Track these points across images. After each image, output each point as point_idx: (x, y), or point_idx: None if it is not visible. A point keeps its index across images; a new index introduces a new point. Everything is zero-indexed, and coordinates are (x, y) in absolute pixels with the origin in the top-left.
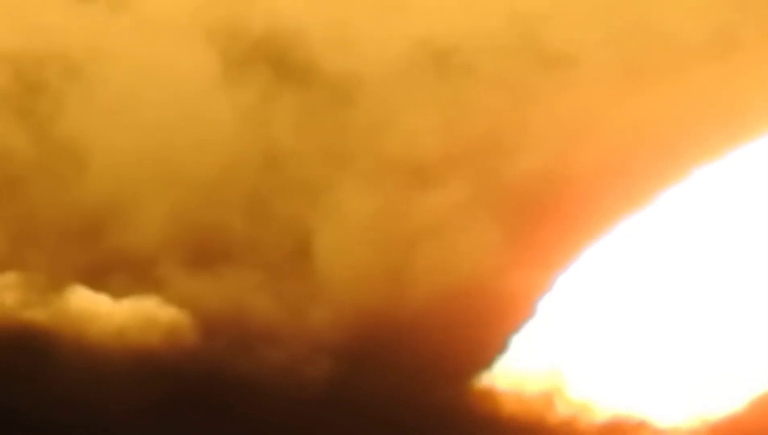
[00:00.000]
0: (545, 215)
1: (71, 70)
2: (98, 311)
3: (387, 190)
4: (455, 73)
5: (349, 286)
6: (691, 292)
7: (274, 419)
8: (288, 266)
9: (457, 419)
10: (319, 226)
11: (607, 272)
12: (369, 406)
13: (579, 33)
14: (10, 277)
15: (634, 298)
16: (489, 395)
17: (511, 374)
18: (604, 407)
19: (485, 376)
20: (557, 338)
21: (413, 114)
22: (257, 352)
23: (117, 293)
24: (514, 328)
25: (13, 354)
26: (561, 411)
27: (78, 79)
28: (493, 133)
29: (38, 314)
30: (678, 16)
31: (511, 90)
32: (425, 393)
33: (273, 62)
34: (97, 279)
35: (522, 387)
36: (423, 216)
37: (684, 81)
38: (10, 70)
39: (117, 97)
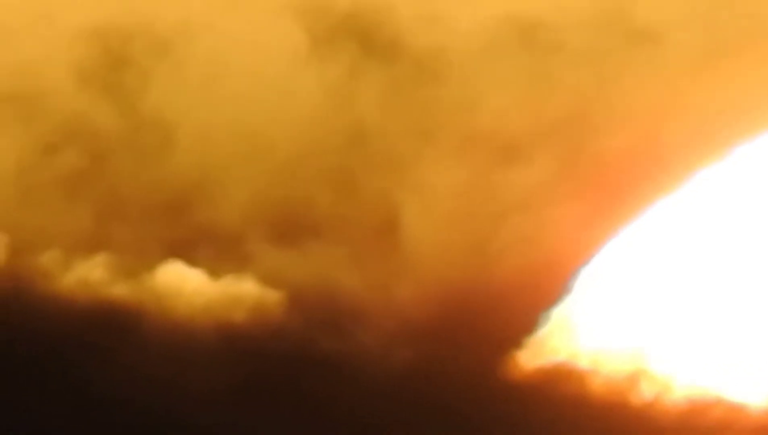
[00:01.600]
0: (629, 191)
1: (158, 45)
2: (184, 288)
3: (473, 166)
4: (541, 49)
5: (435, 262)
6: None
7: (358, 397)
8: (374, 242)
9: (539, 393)
10: (406, 201)
11: (682, 248)
12: (454, 382)
13: (665, 9)
14: (96, 253)
15: (710, 275)
16: (572, 374)
17: (592, 353)
18: (682, 386)
19: (566, 355)
20: (635, 316)
21: (500, 90)
22: (343, 329)
23: (203, 270)
24: (594, 305)
25: (99, 330)
26: (642, 390)
27: (165, 54)
28: (578, 110)
29: (124, 291)
30: None
31: (597, 66)
32: (510, 366)
33: (360, 38)
34: (184, 255)
35: (603, 366)
36: (509, 192)
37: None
38: (97, 46)
39: (204, 73)
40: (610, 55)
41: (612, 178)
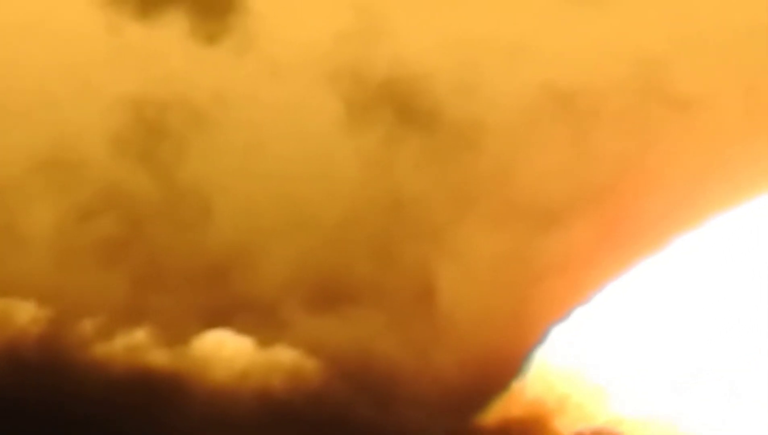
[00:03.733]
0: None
1: (195, 115)
2: (223, 355)
3: (511, 233)
4: (579, 116)
5: (474, 328)
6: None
7: None
8: (412, 308)
9: None
10: (444, 268)
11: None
12: None
13: (703, 75)
14: (134, 321)
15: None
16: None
17: (629, 419)
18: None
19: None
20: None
21: (537, 157)
22: (381, 395)
23: (242, 337)
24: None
25: (138, 397)
26: None
27: (201, 124)
28: (616, 175)
29: (163, 358)
30: None
31: (635, 132)
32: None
33: (397, 106)
34: (223, 323)
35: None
36: (547, 258)
37: None
38: (133, 115)
39: (240, 142)
40: (648, 120)
41: (650, 242)
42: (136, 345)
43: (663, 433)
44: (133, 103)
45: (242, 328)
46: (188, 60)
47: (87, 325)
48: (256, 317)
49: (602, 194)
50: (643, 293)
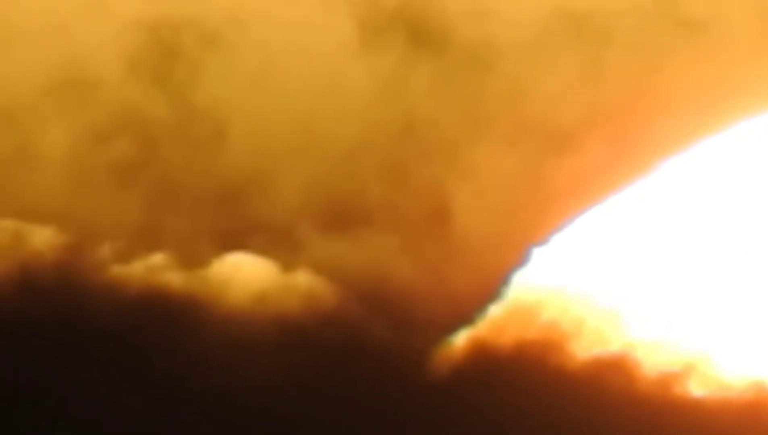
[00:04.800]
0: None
1: (208, 36)
2: (238, 277)
3: (523, 154)
4: (591, 38)
5: (487, 248)
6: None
7: (411, 385)
8: (426, 230)
9: (591, 382)
10: (457, 189)
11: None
12: (511, 370)
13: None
14: (149, 243)
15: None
16: (625, 364)
17: (646, 344)
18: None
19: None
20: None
21: (549, 79)
22: (395, 316)
23: (256, 259)
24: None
25: (152, 318)
26: (692, 383)
27: (216, 45)
28: (628, 97)
29: (178, 280)
30: None
31: (646, 54)
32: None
33: (410, 29)
34: (237, 245)
35: (655, 358)
36: (559, 178)
37: None
38: (147, 37)
39: (255, 64)
40: (660, 43)
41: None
42: (151, 267)
43: (677, 357)
44: (147, 25)
45: (257, 250)
46: None
47: (102, 247)
48: (271, 239)
49: (613, 115)
50: (652, 213)
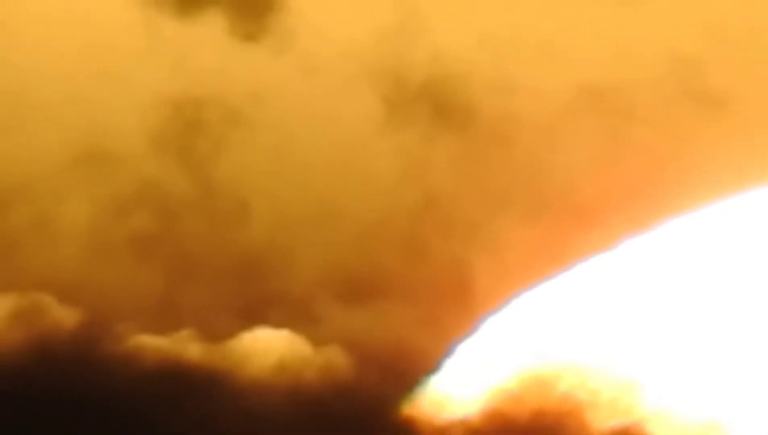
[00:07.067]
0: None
1: (231, 112)
2: (255, 349)
3: (545, 229)
4: (613, 113)
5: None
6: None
7: None
8: (446, 303)
9: None
10: (478, 263)
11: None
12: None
13: (737, 74)
14: (167, 316)
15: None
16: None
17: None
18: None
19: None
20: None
21: (571, 154)
22: (415, 390)
23: (275, 332)
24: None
25: (171, 391)
26: None
27: (238, 121)
28: (650, 172)
29: (195, 351)
30: None
31: (669, 129)
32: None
33: (434, 105)
34: (256, 318)
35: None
36: (581, 253)
37: None
38: (170, 112)
39: (276, 140)
40: (682, 118)
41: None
42: (170, 340)
43: (692, 429)
44: (170, 100)
45: (276, 323)
46: (226, 57)
47: (121, 320)
48: (290, 312)
49: (636, 189)
50: (669, 284)
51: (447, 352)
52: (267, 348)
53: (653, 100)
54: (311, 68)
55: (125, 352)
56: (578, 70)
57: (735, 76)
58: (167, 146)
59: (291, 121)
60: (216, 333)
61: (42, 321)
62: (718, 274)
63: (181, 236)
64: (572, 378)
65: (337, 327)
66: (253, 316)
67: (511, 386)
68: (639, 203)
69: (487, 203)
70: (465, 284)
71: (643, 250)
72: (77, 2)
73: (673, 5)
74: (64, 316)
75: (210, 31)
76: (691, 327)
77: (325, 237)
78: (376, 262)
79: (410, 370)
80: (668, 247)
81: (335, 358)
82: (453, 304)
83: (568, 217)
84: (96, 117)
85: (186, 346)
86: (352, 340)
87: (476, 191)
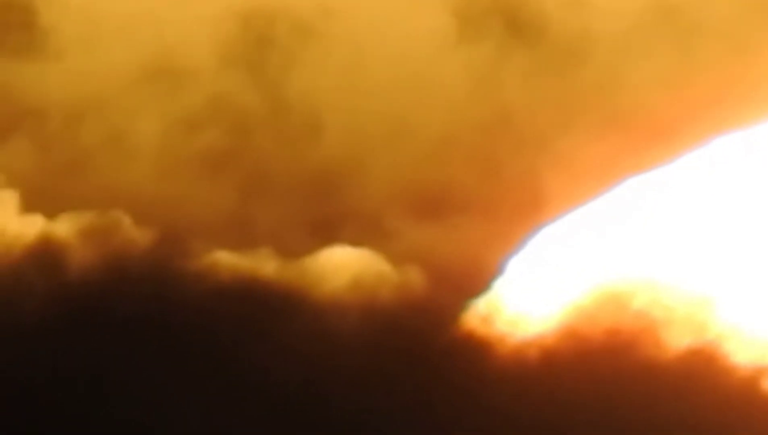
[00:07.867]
0: None
1: (301, 27)
2: (329, 266)
3: (617, 143)
4: (684, 28)
5: None
6: None
7: (503, 378)
8: (519, 218)
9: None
10: (550, 178)
11: None
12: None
13: None
14: (240, 232)
15: None
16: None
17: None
18: None
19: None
20: None
21: (643, 69)
22: (488, 307)
23: (348, 248)
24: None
25: (243, 308)
26: None
27: (308, 36)
28: (720, 87)
29: (269, 269)
30: None
31: (741, 46)
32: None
33: (506, 20)
34: (328, 235)
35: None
36: (653, 168)
37: None
38: (239, 26)
39: (347, 55)
40: (752, 33)
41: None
42: (243, 257)
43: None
44: (239, 14)
45: (350, 240)
46: None
47: (195, 238)
48: (362, 228)
49: (706, 104)
50: (749, 201)
51: (520, 268)
52: (340, 265)
53: (724, 16)
54: None
55: (200, 270)
56: None
57: None
58: (238, 61)
59: (362, 36)
60: (289, 250)
61: (116, 238)
62: None
63: (253, 152)
64: (647, 295)
65: (410, 243)
66: (326, 233)
67: (586, 304)
68: (709, 117)
69: (558, 118)
70: (537, 199)
71: (714, 164)
72: None
73: None
74: (139, 234)
75: None
76: (765, 242)
77: (398, 152)
78: (449, 177)
79: (484, 286)
80: (739, 161)
81: (410, 276)
82: (526, 219)
83: (640, 131)
84: (165, 33)
85: (262, 264)
86: (426, 257)
87: (548, 106)
